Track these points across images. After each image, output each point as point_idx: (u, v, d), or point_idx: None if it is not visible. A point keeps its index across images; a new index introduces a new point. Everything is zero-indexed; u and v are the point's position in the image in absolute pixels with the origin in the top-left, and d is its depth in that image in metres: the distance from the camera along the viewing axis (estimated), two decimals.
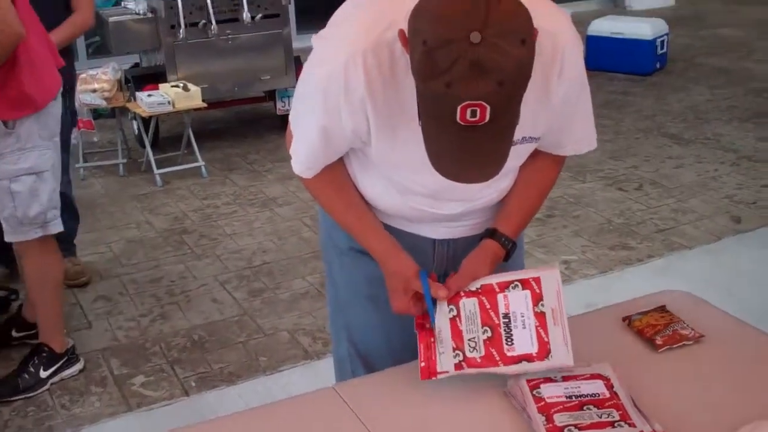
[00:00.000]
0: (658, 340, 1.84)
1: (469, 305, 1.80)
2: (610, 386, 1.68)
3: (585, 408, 1.62)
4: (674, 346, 1.83)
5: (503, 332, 1.76)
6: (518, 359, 1.74)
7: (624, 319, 1.95)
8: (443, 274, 1.97)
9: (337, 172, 1.89)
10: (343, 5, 1.75)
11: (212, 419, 1.98)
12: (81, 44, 8.06)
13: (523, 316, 1.77)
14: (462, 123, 1.38)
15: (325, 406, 1.77)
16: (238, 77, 5.99)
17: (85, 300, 4.11)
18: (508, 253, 1.89)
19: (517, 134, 1.59)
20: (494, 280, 1.81)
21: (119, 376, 3.49)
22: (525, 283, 1.79)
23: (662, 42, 7.78)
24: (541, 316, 1.76)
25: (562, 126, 1.81)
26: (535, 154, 1.88)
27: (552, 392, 1.67)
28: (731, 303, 3.77)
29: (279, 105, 6.26)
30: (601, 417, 1.59)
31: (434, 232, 1.98)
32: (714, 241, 4.46)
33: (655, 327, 1.87)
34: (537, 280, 1.79)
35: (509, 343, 1.75)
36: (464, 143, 1.42)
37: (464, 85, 1.35)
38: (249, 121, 6.83)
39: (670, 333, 1.85)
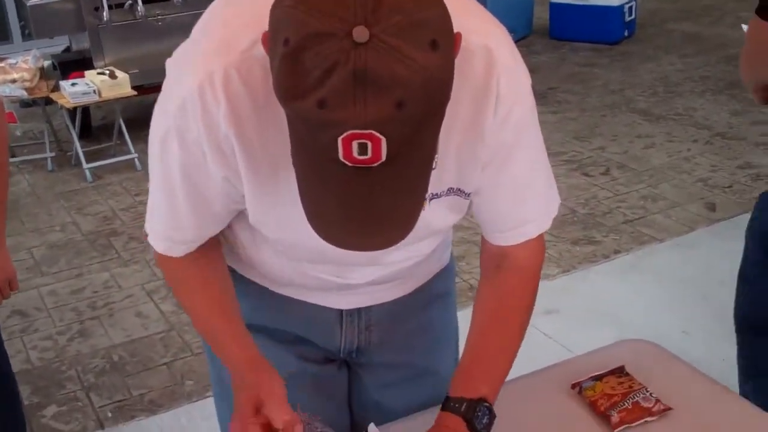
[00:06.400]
0: (615, 417, 1.46)
1: None
2: None
3: None
4: (633, 424, 1.46)
5: None
6: None
7: (573, 386, 1.56)
8: (355, 350, 1.58)
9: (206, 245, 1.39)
10: (207, 11, 1.25)
11: None
12: (15, 25, 7.60)
13: None
14: (347, 163, 0.93)
15: None
16: None
17: None
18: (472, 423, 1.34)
19: (442, 184, 1.19)
20: None
21: (29, 407, 3.21)
22: None
23: (630, 8, 7.37)
24: None
25: (500, 194, 1.32)
26: (489, 266, 1.42)
27: None
28: (706, 308, 3.49)
29: None
30: None
31: (341, 302, 1.53)
32: (687, 232, 4.11)
33: (612, 398, 1.50)
34: None
35: None
36: (352, 193, 0.96)
37: (346, 106, 0.90)
38: None
39: (629, 406, 1.48)
